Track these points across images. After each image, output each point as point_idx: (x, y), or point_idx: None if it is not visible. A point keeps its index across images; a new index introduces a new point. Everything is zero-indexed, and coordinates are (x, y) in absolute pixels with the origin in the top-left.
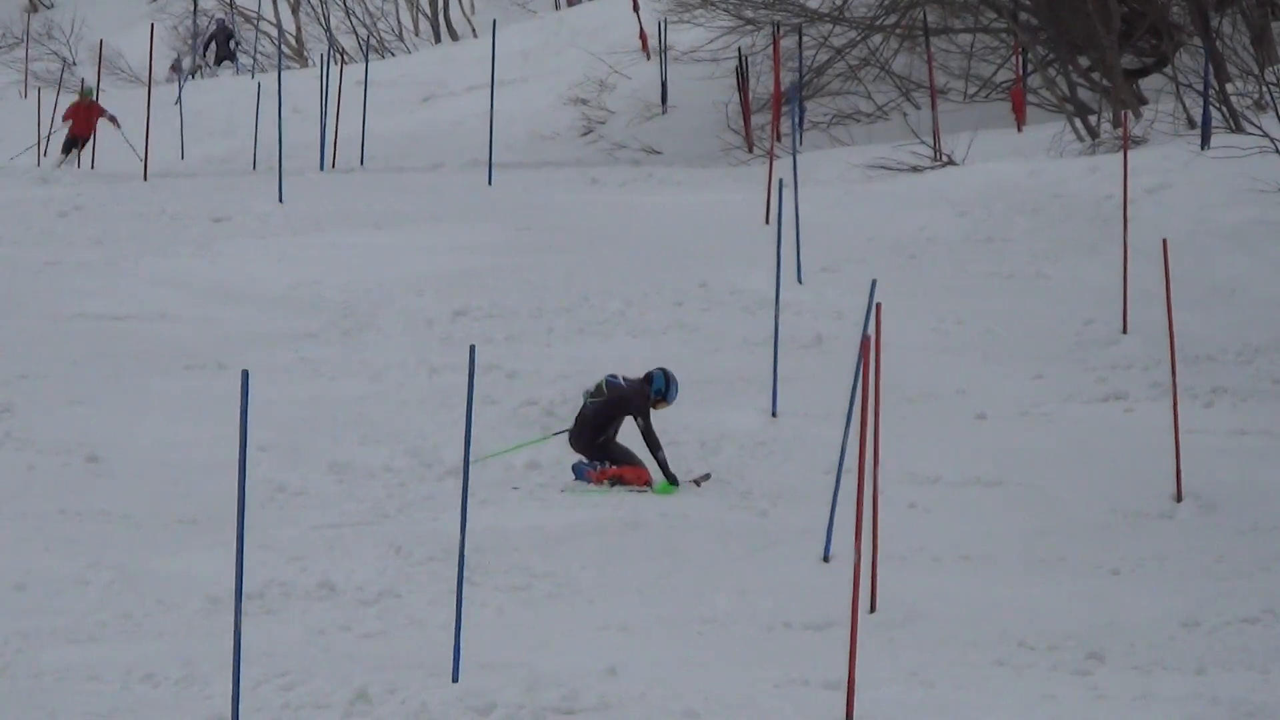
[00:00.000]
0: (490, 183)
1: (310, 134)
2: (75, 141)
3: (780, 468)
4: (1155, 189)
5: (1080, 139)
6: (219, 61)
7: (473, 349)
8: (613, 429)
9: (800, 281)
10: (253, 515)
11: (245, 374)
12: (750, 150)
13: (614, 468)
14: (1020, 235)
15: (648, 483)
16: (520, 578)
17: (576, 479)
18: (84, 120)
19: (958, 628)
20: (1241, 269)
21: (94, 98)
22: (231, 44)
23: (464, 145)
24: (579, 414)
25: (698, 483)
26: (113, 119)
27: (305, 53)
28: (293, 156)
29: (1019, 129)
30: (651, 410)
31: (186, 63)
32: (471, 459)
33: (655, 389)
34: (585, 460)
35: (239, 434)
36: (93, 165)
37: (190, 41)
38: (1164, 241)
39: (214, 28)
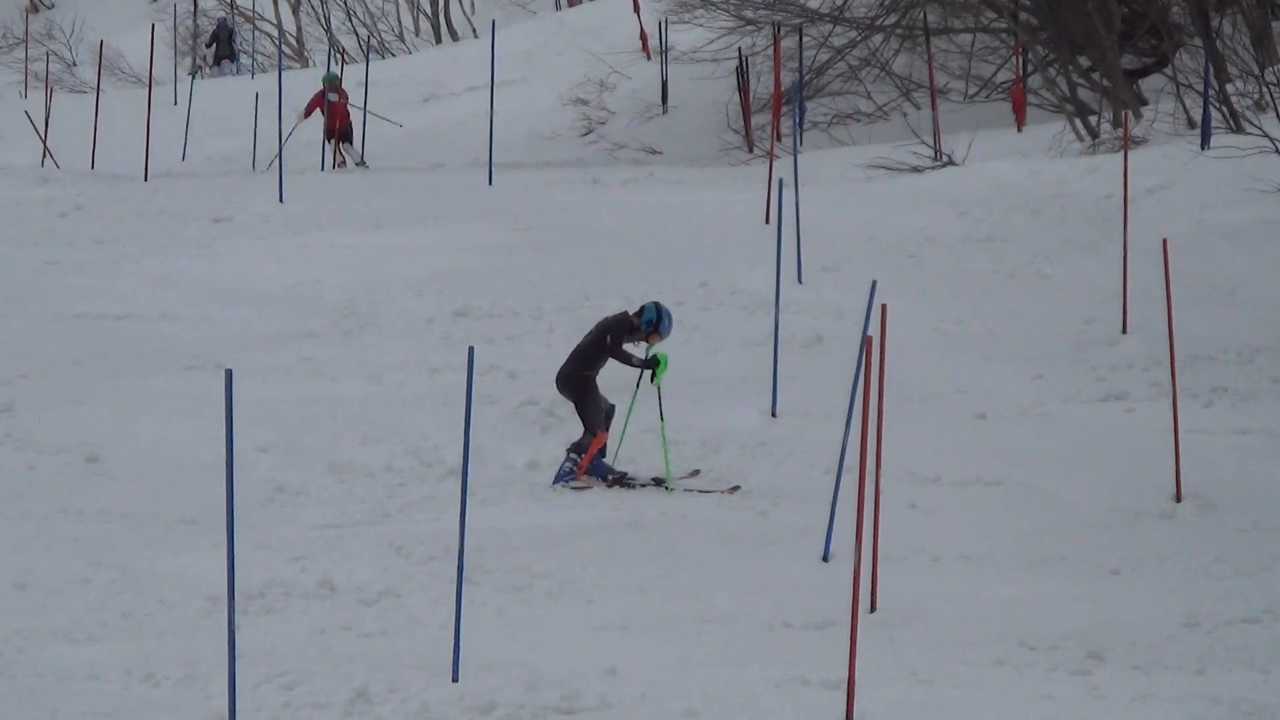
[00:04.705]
0: (490, 183)
1: (310, 134)
2: (331, 134)
3: (780, 468)
4: (1155, 189)
5: (1080, 139)
6: (218, 61)
7: (471, 350)
8: (600, 363)
9: (800, 281)
10: (253, 515)
11: (229, 373)
12: (750, 150)
13: (584, 457)
14: (1020, 235)
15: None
16: (520, 578)
17: (559, 482)
18: (337, 111)
19: (958, 628)
20: (1241, 269)
21: (339, 83)
22: (234, 42)
23: (464, 145)
24: (571, 352)
25: (726, 493)
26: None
27: (306, 53)
28: (293, 156)
29: (1019, 129)
30: (644, 343)
31: (187, 63)
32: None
33: (646, 319)
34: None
35: (225, 432)
36: (93, 165)
37: (191, 41)
38: (1164, 241)
39: (215, 25)
